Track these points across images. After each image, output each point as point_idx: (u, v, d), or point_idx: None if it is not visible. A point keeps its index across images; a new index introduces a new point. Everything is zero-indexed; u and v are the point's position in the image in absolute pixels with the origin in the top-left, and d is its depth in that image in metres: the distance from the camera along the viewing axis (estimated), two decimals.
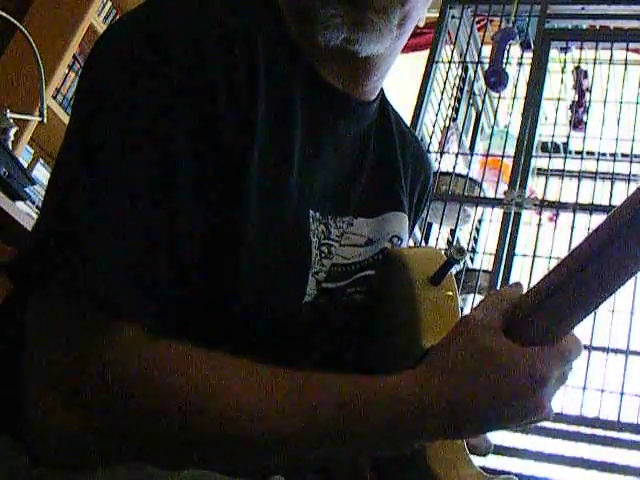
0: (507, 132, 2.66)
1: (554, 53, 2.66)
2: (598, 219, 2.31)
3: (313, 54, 0.79)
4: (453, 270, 0.75)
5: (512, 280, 2.28)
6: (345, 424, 0.61)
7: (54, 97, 2.78)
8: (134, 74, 0.68)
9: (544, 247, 2.37)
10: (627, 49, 2.59)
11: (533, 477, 2.05)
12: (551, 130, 2.57)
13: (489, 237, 2.70)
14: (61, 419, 0.61)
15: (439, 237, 2.64)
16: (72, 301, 0.62)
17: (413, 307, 0.73)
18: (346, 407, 0.61)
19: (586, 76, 2.66)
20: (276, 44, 0.77)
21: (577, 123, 2.62)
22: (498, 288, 2.24)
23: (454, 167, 2.56)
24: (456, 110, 2.86)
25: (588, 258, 0.58)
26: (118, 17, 3.05)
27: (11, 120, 2.25)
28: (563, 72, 2.68)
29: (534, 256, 2.35)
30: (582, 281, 0.59)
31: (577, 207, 2.37)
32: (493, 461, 2.02)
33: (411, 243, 0.98)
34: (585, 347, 2.10)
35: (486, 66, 2.66)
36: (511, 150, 2.51)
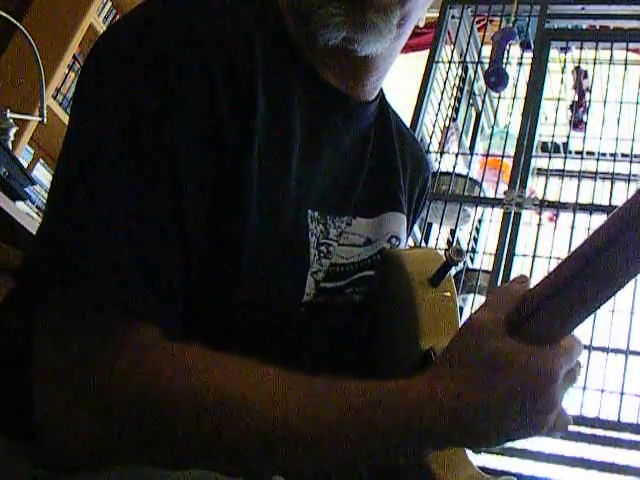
0: (507, 132, 2.66)
1: (554, 53, 2.66)
2: (598, 219, 2.31)
3: (313, 54, 0.79)
4: (452, 271, 0.75)
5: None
6: (353, 428, 0.61)
7: (54, 97, 2.78)
8: (133, 75, 0.68)
9: (544, 247, 2.37)
10: (627, 49, 2.59)
11: (533, 477, 2.05)
12: (551, 130, 2.57)
13: (489, 237, 2.70)
14: (75, 421, 0.60)
15: (439, 237, 2.64)
16: (87, 304, 0.62)
17: (412, 308, 0.72)
18: (354, 411, 0.61)
19: (586, 76, 2.66)
20: (275, 44, 0.77)
21: (577, 123, 2.62)
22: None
23: (454, 167, 2.56)
24: (456, 110, 2.86)
25: (590, 258, 0.58)
26: (118, 17, 3.05)
27: (11, 120, 2.25)
28: (563, 72, 2.68)
29: (534, 256, 2.35)
30: (584, 281, 0.59)
31: (577, 207, 2.37)
32: (493, 461, 2.02)
33: (411, 243, 0.98)
34: (585, 347, 2.10)
35: (486, 66, 2.66)
36: (511, 150, 2.51)
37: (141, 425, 0.61)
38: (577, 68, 2.69)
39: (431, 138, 2.67)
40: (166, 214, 0.65)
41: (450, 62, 2.74)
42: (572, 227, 2.34)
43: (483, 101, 2.78)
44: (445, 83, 2.73)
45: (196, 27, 0.70)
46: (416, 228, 2.51)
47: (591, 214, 2.34)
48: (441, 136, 2.68)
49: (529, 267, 2.34)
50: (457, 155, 2.62)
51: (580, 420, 2.09)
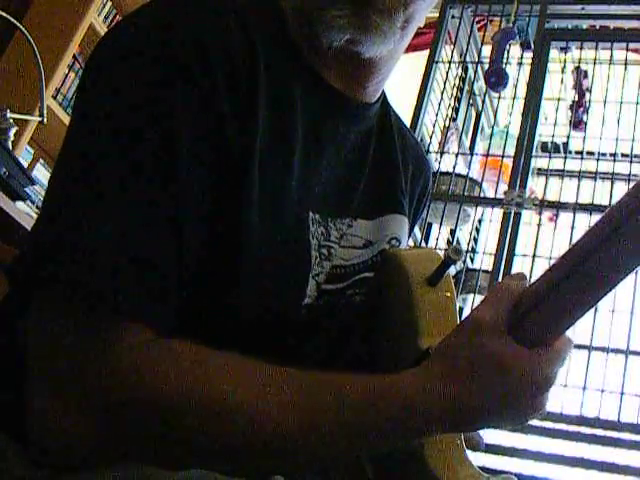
0: (507, 132, 2.66)
1: (554, 53, 2.66)
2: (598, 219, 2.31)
3: (315, 55, 0.79)
4: (452, 271, 0.75)
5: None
6: (347, 422, 0.61)
7: (54, 97, 2.78)
8: (134, 76, 0.68)
9: (544, 247, 2.37)
10: (627, 49, 2.59)
11: (533, 477, 2.05)
12: (551, 130, 2.57)
13: (489, 237, 2.70)
14: (67, 421, 0.60)
15: (439, 237, 2.64)
16: (77, 303, 0.62)
17: (410, 308, 0.73)
18: (348, 405, 0.62)
19: (586, 76, 2.66)
20: (277, 45, 0.77)
21: (577, 123, 2.62)
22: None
23: (454, 167, 2.56)
24: (456, 110, 2.86)
25: (586, 254, 0.58)
26: (118, 17, 3.05)
27: (11, 120, 2.25)
28: (563, 72, 2.68)
29: (534, 256, 2.35)
30: (580, 278, 0.59)
31: (577, 207, 2.37)
32: (493, 461, 2.02)
33: (411, 243, 0.98)
34: (585, 347, 2.10)
35: (486, 66, 2.66)
36: (511, 150, 2.51)
37: (135, 426, 0.61)
38: (577, 68, 2.68)
39: (431, 138, 2.67)
40: (163, 215, 0.64)
41: (450, 62, 2.74)
42: (572, 227, 2.34)
43: (483, 101, 2.78)
44: (445, 83, 2.73)
45: (198, 28, 0.70)
46: (416, 228, 2.51)
47: (591, 214, 2.34)
48: (441, 136, 2.68)
49: (529, 267, 2.34)
50: (457, 155, 2.62)
51: (580, 420, 2.09)
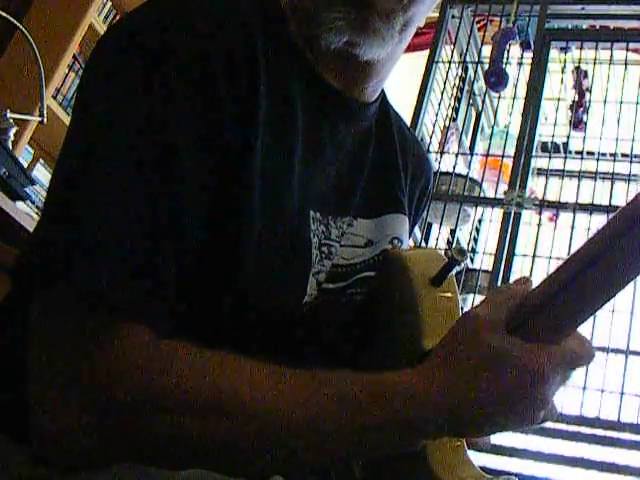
0: (507, 132, 2.66)
1: (554, 53, 2.66)
2: (598, 219, 2.32)
3: (314, 55, 0.79)
4: (453, 271, 0.75)
5: (512, 280, 2.28)
6: (349, 420, 0.61)
7: (54, 97, 2.78)
8: (134, 75, 0.68)
9: (544, 247, 2.37)
10: (627, 49, 2.59)
11: (533, 477, 2.05)
12: (551, 130, 2.57)
13: (489, 237, 2.70)
14: (68, 421, 0.60)
15: (439, 237, 2.64)
16: (79, 303, 0.62)
17: (414, 308, 0.72)
18: (350, 403, 0.61)
19: (586, 76, 2.66)
20: (277, 45, 0.77)
21: (577, 123, 2.62)
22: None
23: (454, 167, 2.56)
24: (456, 110, 2.86)
25: (592, 258, 0.58)
26: (118, 17, 3.05)
27: (11, 120, 2.25)
28: (563, 72, 2.68)
29: (534, 256, 2.35)
30: (586, 282, 0.59)
31: (577, 207, 2.37)
32: (493, 461, 2.02)
33: (411, 243, 0.98)
34: None
35: (486, 66, 2.66)
36: (511, 150, 2.51)
37: (135, 425, 0.61)
38: (577, 68, 2.68)
39: (431, 138, 2.67)
40: (164, 215, 0.65)
41: (450, 62, 2.74)
42: (572, 227, 2.34)
43: (483, 101, 2.78)
44: (445, 83, 2.73)
45: (198, 28, 0.70)
46: (416, 228, 2.51)
47: (591, 214, 2.34)
48: (441, 136, 2.68)
49: (529, 267, 2.34)
50: (457, 155, 2.63)
51: (580, 420, 2.09)
